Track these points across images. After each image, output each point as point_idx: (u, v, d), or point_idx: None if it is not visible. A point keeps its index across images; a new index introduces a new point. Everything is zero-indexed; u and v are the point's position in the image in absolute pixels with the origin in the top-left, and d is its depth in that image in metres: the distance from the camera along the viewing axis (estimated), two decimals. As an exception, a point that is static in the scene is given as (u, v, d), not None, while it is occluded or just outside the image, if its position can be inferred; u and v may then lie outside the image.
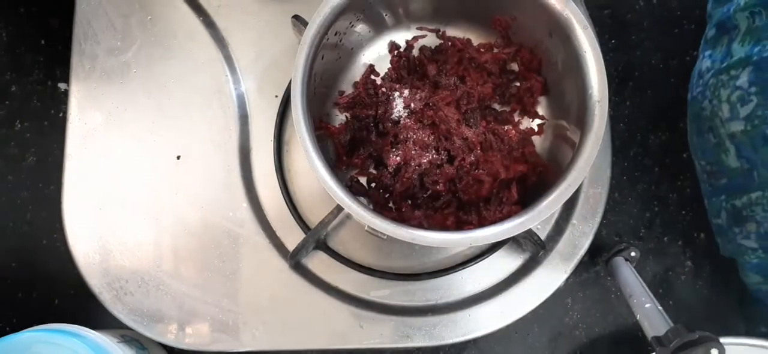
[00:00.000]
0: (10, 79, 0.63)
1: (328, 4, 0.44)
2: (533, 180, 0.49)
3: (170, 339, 0.50)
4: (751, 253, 0.50)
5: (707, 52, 0.52)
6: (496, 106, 0.53)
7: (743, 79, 0.46)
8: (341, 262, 0.51)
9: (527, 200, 0.44)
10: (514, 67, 0.53)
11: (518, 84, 0.52)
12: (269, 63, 0.55)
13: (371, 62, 0.53)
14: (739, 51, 0.47)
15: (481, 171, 0.48)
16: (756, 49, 0.45)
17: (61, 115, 0.63)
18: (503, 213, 0.46)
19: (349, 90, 0.53)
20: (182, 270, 0.51)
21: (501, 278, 0.52)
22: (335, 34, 0.48)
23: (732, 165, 0.49)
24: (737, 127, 0.47)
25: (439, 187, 0.49)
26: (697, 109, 0.52)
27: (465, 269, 0.52)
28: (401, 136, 0.49)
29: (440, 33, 0.54)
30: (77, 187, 0.52)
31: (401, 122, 0.50)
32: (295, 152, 0.53)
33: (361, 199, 0.51)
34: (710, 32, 0.53)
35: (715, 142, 0.50)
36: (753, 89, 0.45)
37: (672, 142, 0.63)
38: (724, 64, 0.48)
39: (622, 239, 0.62)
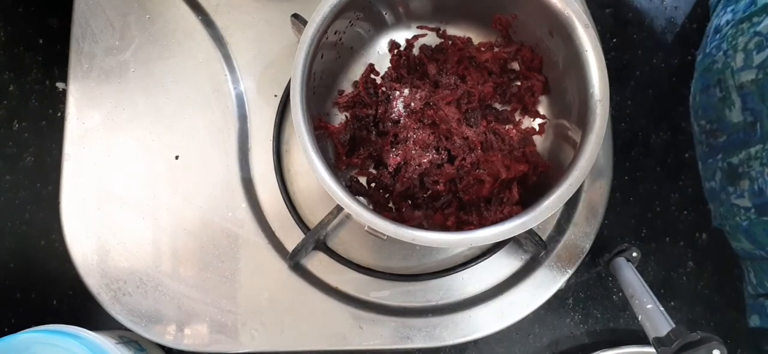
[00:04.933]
0: (8, 78, 0.63)
1: (327, 3, 0.44)
2: (534, 180, 0.49)
3: (169, 340, 0.50)
4: (743, 214, 0.49)
5: (729, 7, 0.51)
6: (497, 106, 0.53)
7: (765, 24, 0.45)
8: (341, 263, 0.51)
9: (528, 200, 0.44)
10: (515, 66, 0.53)
11: (519, 83, 0.52)
12: (268, 62, 0.55)
13: (371, 61, 0.53)
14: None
15: (481, 171, 0.48)
16: None
17: (59, 114, 0.62)
18: (504, 213, 0.46)
19: (348, 89, 0.52)
20: (181, 270, 0.51)
21: (502, 279, 0.52)
22: (335, 33, 0.47)
23: (734, 120, 0.48)
24: (748, 76, 0.46)
25: (440, 187, 0.48)
26: (709, 63, 0.51)
27: (466, 270, 0.51)
28: (401, 136, 0.49)
29: (440, 32, 0.54)
30: (75, 187, 0.52)
31: (401, 122, 0.49)
32: (295, 152, 0.53)
33: (361, 199, 0.50)
34: None
35: (720, 97, 0.50)
36: None
37: (674, 141, 0.63)
38: (747, 13, 0.48)
39: (624, 239, 0.61)
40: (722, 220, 0.53)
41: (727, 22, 0.51)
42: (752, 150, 0.47)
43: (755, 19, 0.46)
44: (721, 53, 0.49)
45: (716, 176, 0.52)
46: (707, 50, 0.53)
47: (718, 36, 0.51)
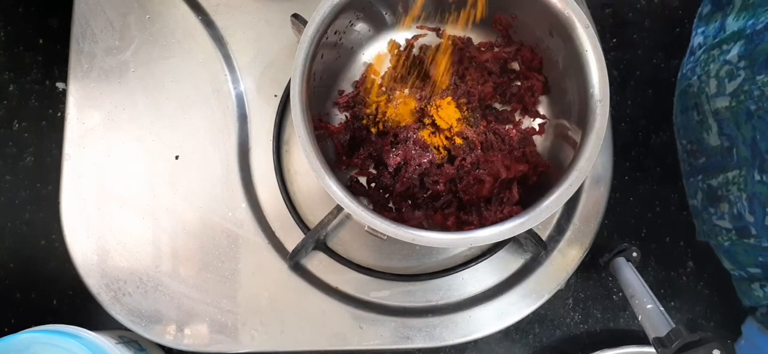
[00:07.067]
0: (8, 78, 0.63)
1: (327, 3, 0.44)
2: (534, 180, 0.49)
3: (169, 340, 0.50)
4: (724, 235, 0.49)
5: (700, 29, 0.52)
6: (497, 106, 0.53)
7: (733, 53, 0.45)
8: (341, 263, 0.51)
9: (528, 200, 0.44)
10: (515, 66, 0.53)
11: (519, 83, 0.52)
12: (268, 62, 0.55)
13: (371, 61, 0.53)
14: (732, 25, 0.46)
15: (481, 171, 0.48)
16: (750, 23, 0.44)
17: (59, 114, 0.63)
18: (504, 213, 0.46)
19: (348, 89, 0.52)
20: (181, 270, 0.51)
21: (502, 279, 0.52)
22: (335, 33, 0.47)
23: (712, 143, 0.48)
24: (722, 103, 0.46)
25: (440, 187, 0.48)
26: (685, 85, 0.51)
27: (466, 270, 0.51)
28: (401, 136, 0.49)
29: (440, 32, 0.54)
30: (75, 187, 0.52)
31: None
32: (295, 152, 0.53)
33: (361, 199, 0.50)
34: (705, 9, 0.52)
35: (698, 120, 0.50)
36: (742, 63, 0.44)
37: (674, 141, 0.63)
38: (717, 39, 0.48)
39: (624, 239, 0.61)
40: (706, 236, 0.53)
41: (699, 46, 0.50)
42: (730, 175, 0.47)
43: (724, 47, 0.46)
44: (695, 77, 0.49)
45: (698, 196, 0.52)
46: (683, 71, 0.53)
47: (692, 58, 0.51)
